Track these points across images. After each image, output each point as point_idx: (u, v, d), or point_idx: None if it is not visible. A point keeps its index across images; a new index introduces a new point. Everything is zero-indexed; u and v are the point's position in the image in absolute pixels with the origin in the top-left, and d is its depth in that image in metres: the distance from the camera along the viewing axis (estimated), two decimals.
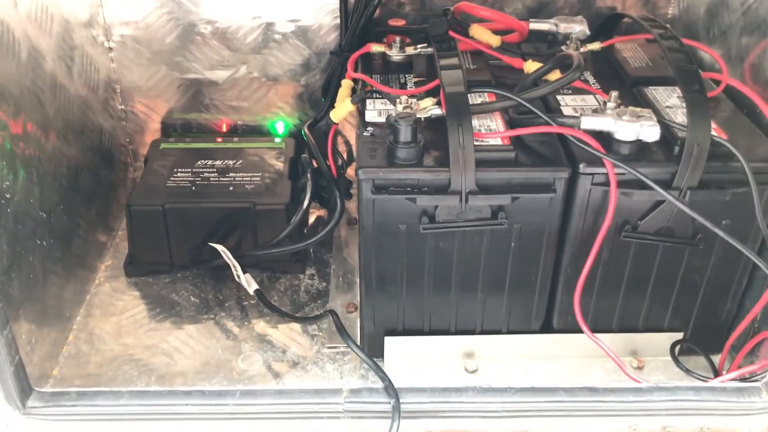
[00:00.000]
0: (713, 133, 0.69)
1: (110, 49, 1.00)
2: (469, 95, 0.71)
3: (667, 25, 0.80)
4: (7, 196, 0.70)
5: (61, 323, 0.84)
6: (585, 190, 0.70)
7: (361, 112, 0.79)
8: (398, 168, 0.69)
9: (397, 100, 0.73)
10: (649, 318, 0.80)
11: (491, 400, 0.71)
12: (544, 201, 0.71)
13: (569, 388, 0.73)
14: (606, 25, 0.94)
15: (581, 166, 0.69)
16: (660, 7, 0.99)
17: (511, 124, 0.74)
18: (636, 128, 0.69)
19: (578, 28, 0.90)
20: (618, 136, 0.69)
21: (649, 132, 0.68)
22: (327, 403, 0.71)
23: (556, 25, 0.90)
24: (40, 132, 0.79)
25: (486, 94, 0.78)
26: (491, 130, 0.72)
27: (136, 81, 1.03)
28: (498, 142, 0.71)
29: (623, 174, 0.68)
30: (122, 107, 1.05)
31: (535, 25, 0.91)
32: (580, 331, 0.74)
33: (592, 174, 0.69)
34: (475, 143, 0.67)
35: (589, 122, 0.70)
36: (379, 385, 0.74)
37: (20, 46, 0.75)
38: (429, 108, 0.73)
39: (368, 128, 0.75)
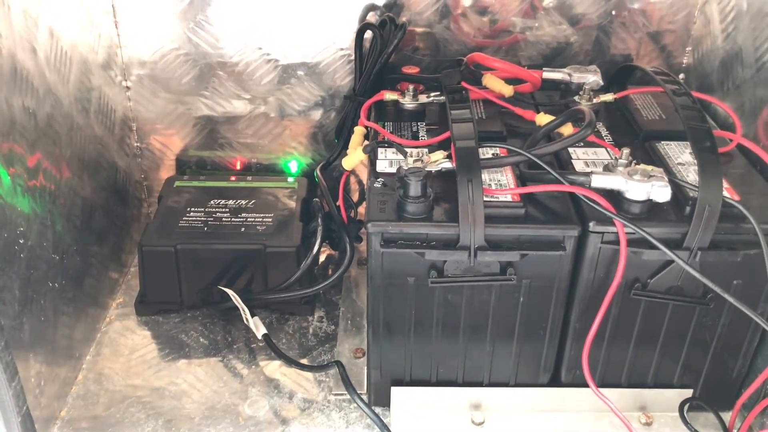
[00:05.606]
0: (725, 193, 0.69)
1: (127, 88, 1.01)
2: (480, 148, 0.71)
3: (681, 80, 0.80)
4: (21, 241, 0.71)
5: (71, 363, 0.84)
6: (595, 249, 0.70)
7: (372, 162, 0.79)
8: (407, 222, 0.69)
9: (408, 153, 0.73)
10: (659, 374, 0.79)
11: None
12: (554, 258, 0.70)
13: None
14: (619, 75, 0.94)
15: (591, 224, 0.69)
16: (675, 56, 0.99)
17: (521, 178, 0.74)
18: (647, 188, 0.68)
19: (592, 78, 0.90)
20: (629, 195, 0.69)
21: (660, 192, 0.68)
22: None
23: (570, 75, 0.91)
24: (55, 171, 0.80)
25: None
26: (501, 185, 0.72)
27: (153, 119, 1.04)
28: (508, 198, 0.71)
29: (634, 233, 0.68)
30: (138, 144, 1.06)
31: (549, 75, 0.91)
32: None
33: (602, 233, 0.69)
34: (485, 199, 0.67)
35: (600, 181, 0.70)
36: None
37: (38, 89, 0.76)
38: (439, 161, 0.73)
39: (379, 179, 0.76)
